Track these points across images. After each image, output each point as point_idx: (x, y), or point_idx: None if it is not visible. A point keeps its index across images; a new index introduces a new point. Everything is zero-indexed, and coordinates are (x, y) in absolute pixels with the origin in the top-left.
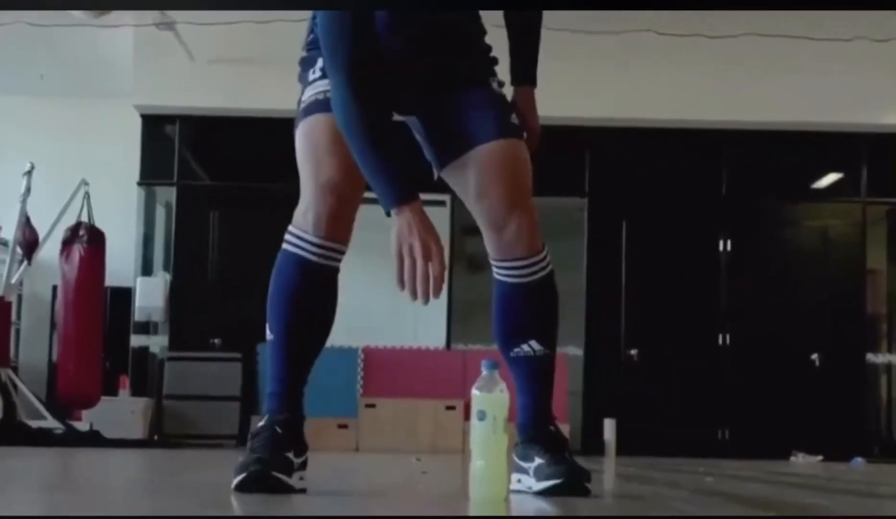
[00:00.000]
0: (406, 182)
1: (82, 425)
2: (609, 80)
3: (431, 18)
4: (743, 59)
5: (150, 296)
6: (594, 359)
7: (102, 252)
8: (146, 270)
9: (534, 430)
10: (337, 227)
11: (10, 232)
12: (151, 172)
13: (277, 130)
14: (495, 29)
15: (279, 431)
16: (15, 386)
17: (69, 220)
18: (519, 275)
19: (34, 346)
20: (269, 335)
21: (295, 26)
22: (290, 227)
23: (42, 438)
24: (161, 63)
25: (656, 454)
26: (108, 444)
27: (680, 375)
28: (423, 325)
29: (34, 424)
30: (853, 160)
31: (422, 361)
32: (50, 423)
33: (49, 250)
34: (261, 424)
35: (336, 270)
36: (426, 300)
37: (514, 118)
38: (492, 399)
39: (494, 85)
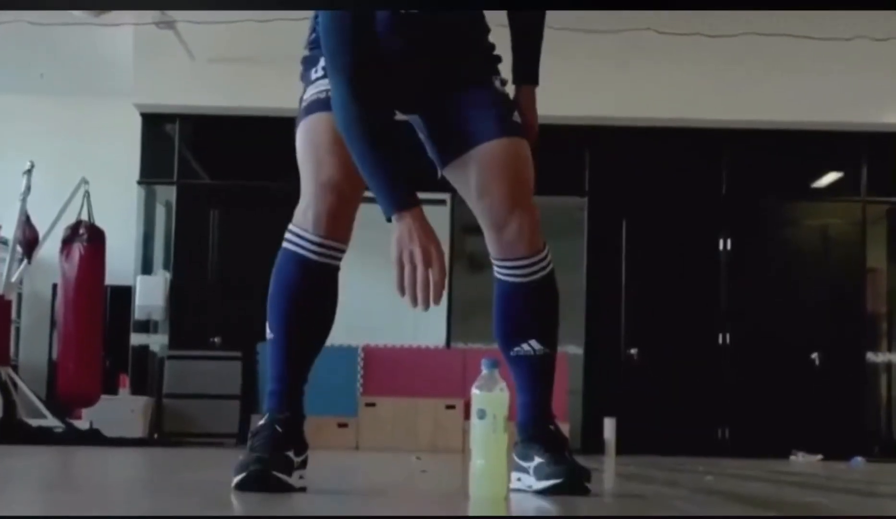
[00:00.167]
0: (407, 187)
1: (82, 424)
2: (609, 79)
3: (432, 18)
4: (743, 58)
5: (150, 294)
6: (594, 358)
7: (102, 251)
8: (146, 268)
9: (534, 429)
10: (337, 226)
11: (10, 230)
12: (151, 171)
13: (277, 129)
14: (498, 28)
15: (279, 429)
16: (15, 384)
17: (69, 219)
18: (520, 274)
19: (34, 344)
20: (269, 334)
21: (295, 25)
22: (291, 226)
23: (42, 437)
24: (161, 62)
25: (656, 453)
26: (108, 442)
27: (680, 374)
28: (423, 324)
29: (34, 422)
30: (853, 159)
31: (422, 360)
32: (50, 421)
33: (49, 249)
34: (261, 422)
35: (336, 269)
36: (426, 307)
37: (516, 117)
38: (492, 398)
39: (497, 83)
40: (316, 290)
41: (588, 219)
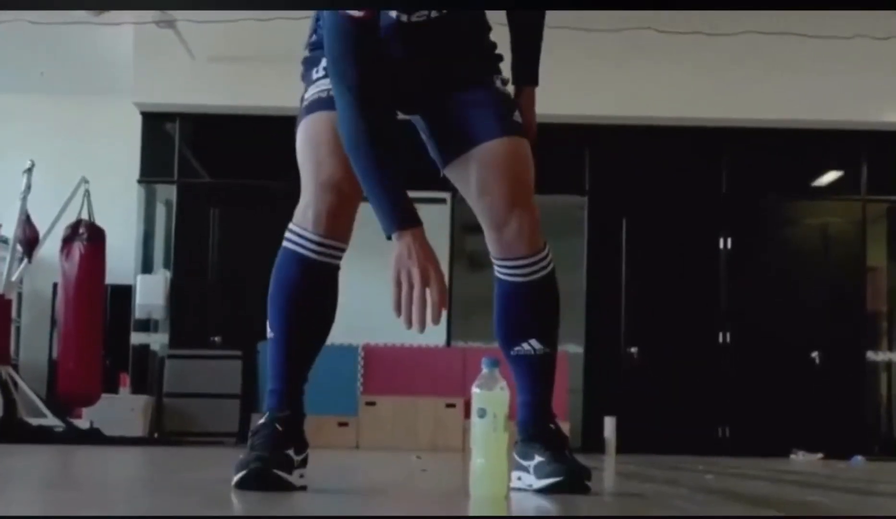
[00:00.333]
0: (409, 207)
1: (82, 423)
2: (609, 79)
3: (435, 20)
4: (743, 57)
5: (151, 293)
6: (594, 357)
7: (103, 250)
8: (146, 267)
9: (534, 428)
10: (337, 225)
11: (10, 229)
12: (152, 170)
13: (278, 128)
14: (499, 27)
15: (279, 428)
16: (15, 384)
17: (69, 218)
18: (520, 274)
19: (34, 343)
20: (269, 333)
21: (295, 24)
22: (291, 225)
23: (42, 436)
24: (161, 61)
25: (656, 452)
26: (109, 441)
27: (680, 373)
28: None
29: (34, 421)
30: (853, 158)
31: (422, 359)
32: (50, 420)
33: (49, 248)
34: (261, 421)
35: (336, 268)
36: (422, 327)
37: (517, 116)
38: (492, 397)
39: (498, 83)
40: (316, 289)
41: (588, 218)
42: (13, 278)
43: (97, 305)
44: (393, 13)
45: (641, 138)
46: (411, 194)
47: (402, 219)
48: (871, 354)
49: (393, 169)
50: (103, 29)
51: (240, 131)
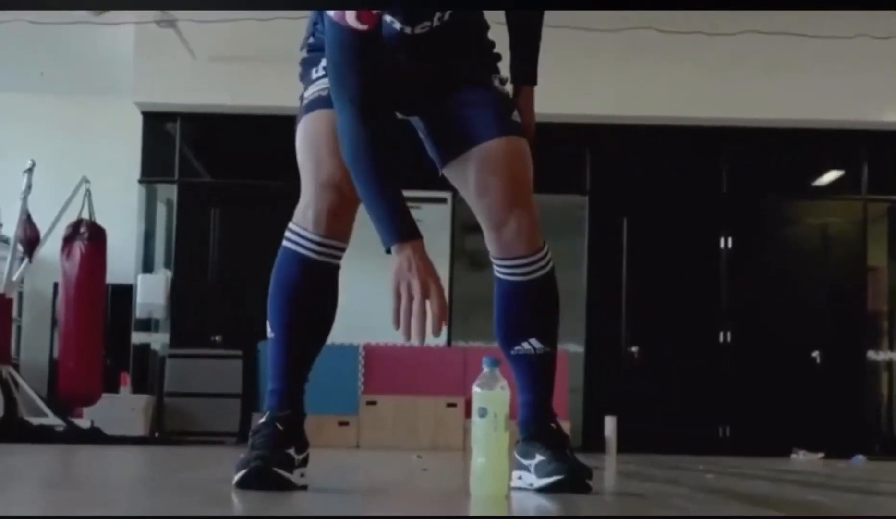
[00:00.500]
0: (410, 220)
1: (83, 422)
2: (610, 78)
3: (436, 27)
4: (744, 56)
5: (151, 293)
6: (595, 356)
7: (103, 249)
8: (147, 267)
9: (535, 427)
10: (337, 225)
11: (11, 229)
12: (152, 170)
13: (278, 128)
14: (497, 25)
15: (280, 427)
16: (16, 383)
17: (70, 218)
18: (519, 273)
19: (35, 343)
20: (269, 333)
21: (296, 24)
22: (291, 225)
23: (43, 436)
24: (162, 60)
25: (657, 452)
26: (109, 441)
27: (681, 372)
28: None
29: (35, 421)
30: (854, 157)
31: (423, 359)
32: (51, 420)
33: (50, 247)
34: (262, 420)
35: (337, 268)
36: (422, 339)
37: (515, 116)
38: (493, 396)
39: (496, 82)
40: (316, 289)
41: (589, 217)
42: (14, 278)
43: (98, 304)
44: (397, 25)
45: (642, 138)
46: (411, 193)
47: (402, 231)
48: (871, 354)
49: (394, 181)
50: (104, 28)
51: (241, 131)
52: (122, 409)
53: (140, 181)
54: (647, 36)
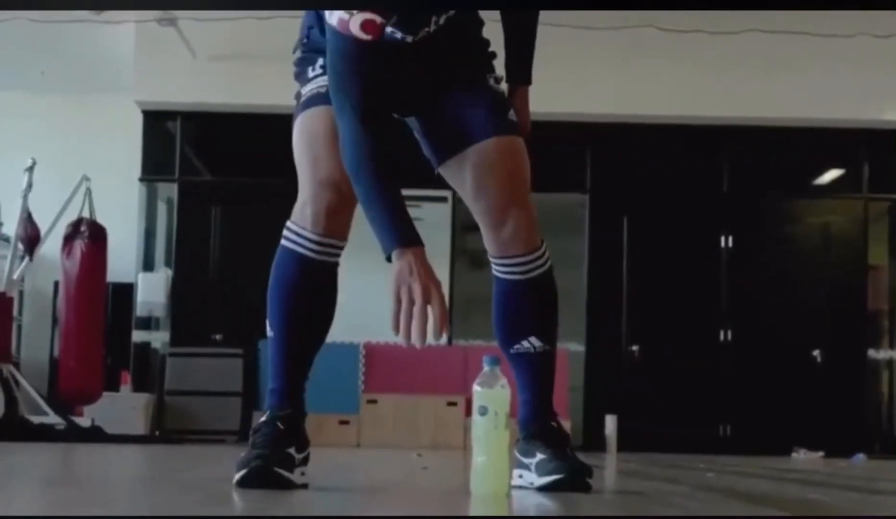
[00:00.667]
0: (412, 226)
1: (84, 421)
2: (610, 77)
3: (434, 32)
4: (744, 55)
5: (152, 291)
6: (595, 355)
7: (104, 248)
8: (148, 265)
9: (535, 426)
10: (336, 224)
11: (12, 227)
12: (153, 168)
13: (279, 126)
14: (491, 23)
15: (281, 426)
16: (16, 382)
17: (71, 216)
18: (517, 272)
19: (36, 341)
20: (269, 332)
21: (296, 23)
22: (289, 223)
23: (43, 434)
24: (162, 59)
25: (657, 450)
26: (110, 439)
27: (681, 371)
28: None
29: (36, 419)
30: (855, 156)
31: (423, 357)
32: (51, 418)
33: (51, 246)
34: (262, 419)
35: (335, 266)
36: (422, 340)
37: (511, 115)
38: (493, 395)
39: (491, 81)
40: (315, 288)
41: (589, 216)
42: (15, 276)
43: (98, 302)
44: (398, 35)
45: (642, 136)
46: (411, 192)
47: (404, 237)
48: (872, 353)
49: (396, 187)
50: (104, 27)
51: (241, 129)
52: (123, 407)
53: (140, 180)
54: (647, 34)
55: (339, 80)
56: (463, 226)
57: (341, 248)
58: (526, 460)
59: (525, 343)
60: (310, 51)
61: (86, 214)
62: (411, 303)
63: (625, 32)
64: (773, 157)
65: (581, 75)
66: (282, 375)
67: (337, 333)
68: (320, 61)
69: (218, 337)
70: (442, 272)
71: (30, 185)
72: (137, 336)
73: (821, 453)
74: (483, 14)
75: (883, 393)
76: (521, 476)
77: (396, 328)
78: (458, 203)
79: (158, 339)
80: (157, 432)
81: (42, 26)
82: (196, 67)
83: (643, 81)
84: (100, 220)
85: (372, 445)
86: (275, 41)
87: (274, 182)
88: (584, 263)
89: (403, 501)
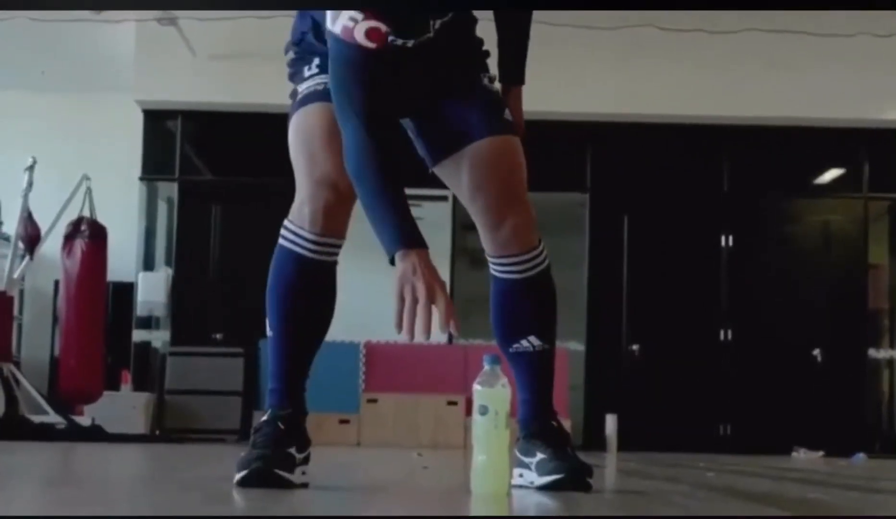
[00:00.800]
0: (416, 228)
1: (84, 420)
2: (610, 76)
3: (433, 36)
4: (744, 54)
5: (152, 291)
6: (596, 354)
7: (104, 247)
8: (148, 264)
9: (535, 425)
10: (334, 223)
11: (12, 227)
12: (153, 167)
13: (279, 126)
14: (484, 22)
15: (281, 426)
16: (17, 381)
17: (71, 215)
18: (515, 271)
19: (36, 340)
20: (268, 331)
21: None
22: (286, 222)
23: (44, 433)
24: (163, 58)
25: (657, 450)
26: (110, 439)
27: (681, 370)
28: None
29: (36, 418)
30: (855, 156)
31: (423, 356)
32: (52, 418)
33: (51, 245)
34: (263, 419)
35: (334, 264)
36: (427, 335)
37: (507, 114)
38: (493, 394)
39: (485, 81)
40: (313, 287)
41: (589, 215)
42: (15, 275)
43: (99, 302)
44: (399, 41)
45: (643, 136)
46: (412, 191)
47: (409, 237)
48: (872, 352)
49: (400, 189)
50: (105, 26)
51: (241, 129)
52: (123, 406)
53: (141, 179)
54: (647, 34)
55: (343, 87)
56: (463, 225)
57: (339, 246)
58: (526, 460)
59: (524, 342)
60: (304, 52)
61: (86, 214)
62: (415, 301)
63: (625, 32)
64: (773, 156)
65: (581, 75)
66: (282, 374)
67: (337, 332)
68: (316, 61)
69: (218, 336)
70: (442, 271)
71: (30, 185)
72: (138, 335)
73: (821, 453)
74: (476, 13)
75: (883, 392)
76: (521, 475)
77: (399, 326)
78: (458, 202)
79: (159, 338)
80: (157, 432)
81: (42, 26)
82: (196, 67)
83: (643, 81)
84: (100, 219)
85: (372, 444)
86: (275, 41)
87: (274, 182)
88: (585, 262)
89: (404, 500)
